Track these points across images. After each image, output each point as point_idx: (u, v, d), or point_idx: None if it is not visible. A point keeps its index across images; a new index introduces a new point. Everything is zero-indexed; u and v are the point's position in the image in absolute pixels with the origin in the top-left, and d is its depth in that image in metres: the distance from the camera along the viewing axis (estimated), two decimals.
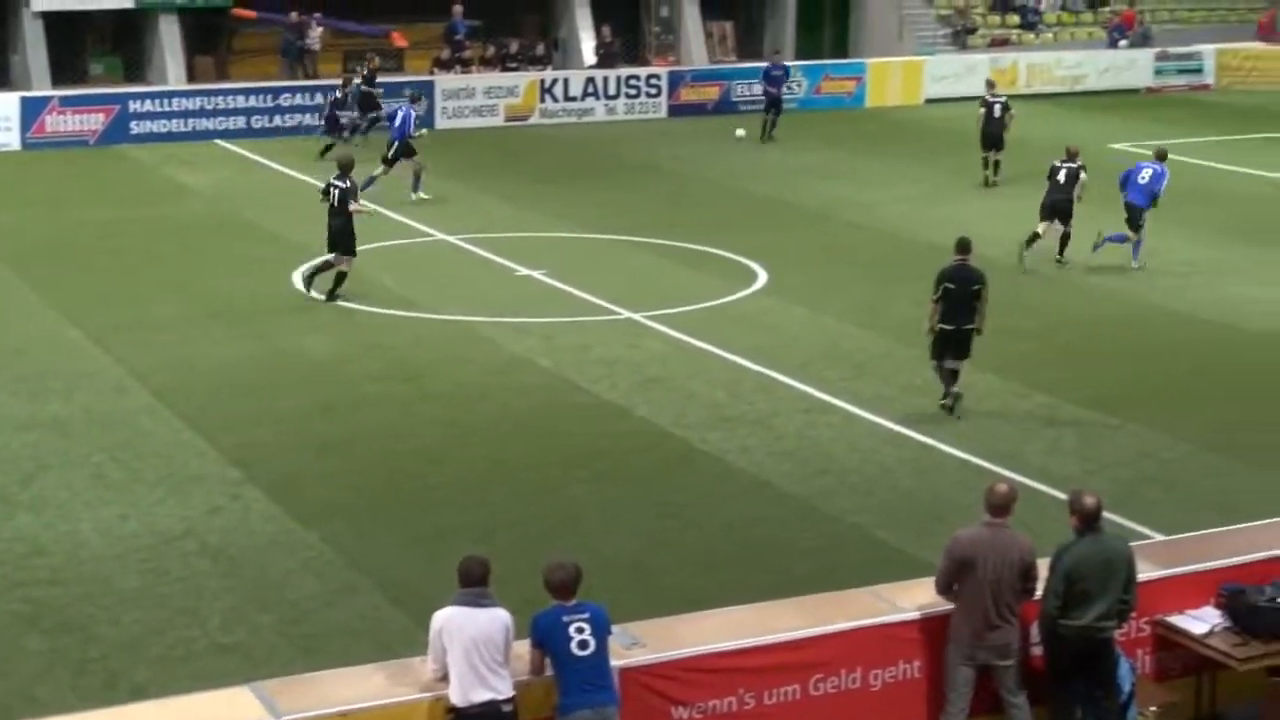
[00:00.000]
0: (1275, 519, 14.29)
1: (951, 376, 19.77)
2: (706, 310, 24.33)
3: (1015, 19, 52.02)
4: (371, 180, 30.78)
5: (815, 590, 12.85)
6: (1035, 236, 27.26)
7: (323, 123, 38.31)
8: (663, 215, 30.68)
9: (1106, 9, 53.00)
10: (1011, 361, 21.57)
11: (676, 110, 43.22)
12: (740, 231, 29.33)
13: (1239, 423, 19.66)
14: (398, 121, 32.15)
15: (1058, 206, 27.27)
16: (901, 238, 28.97)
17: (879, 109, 44.15)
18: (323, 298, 24.57)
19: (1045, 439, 19.02)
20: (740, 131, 38.33)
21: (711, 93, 43.93)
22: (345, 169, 24.90)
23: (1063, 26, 52.51)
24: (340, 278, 24.60)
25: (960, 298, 19.40)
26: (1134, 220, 27.00)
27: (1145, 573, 12.28)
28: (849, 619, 11.82)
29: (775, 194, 33.06)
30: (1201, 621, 12.46)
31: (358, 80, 38.55)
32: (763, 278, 26.14)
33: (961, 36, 50.31)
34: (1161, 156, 27.69)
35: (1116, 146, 39.02)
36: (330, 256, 24.72)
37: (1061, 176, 27.40)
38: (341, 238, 24.56)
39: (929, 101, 45.41)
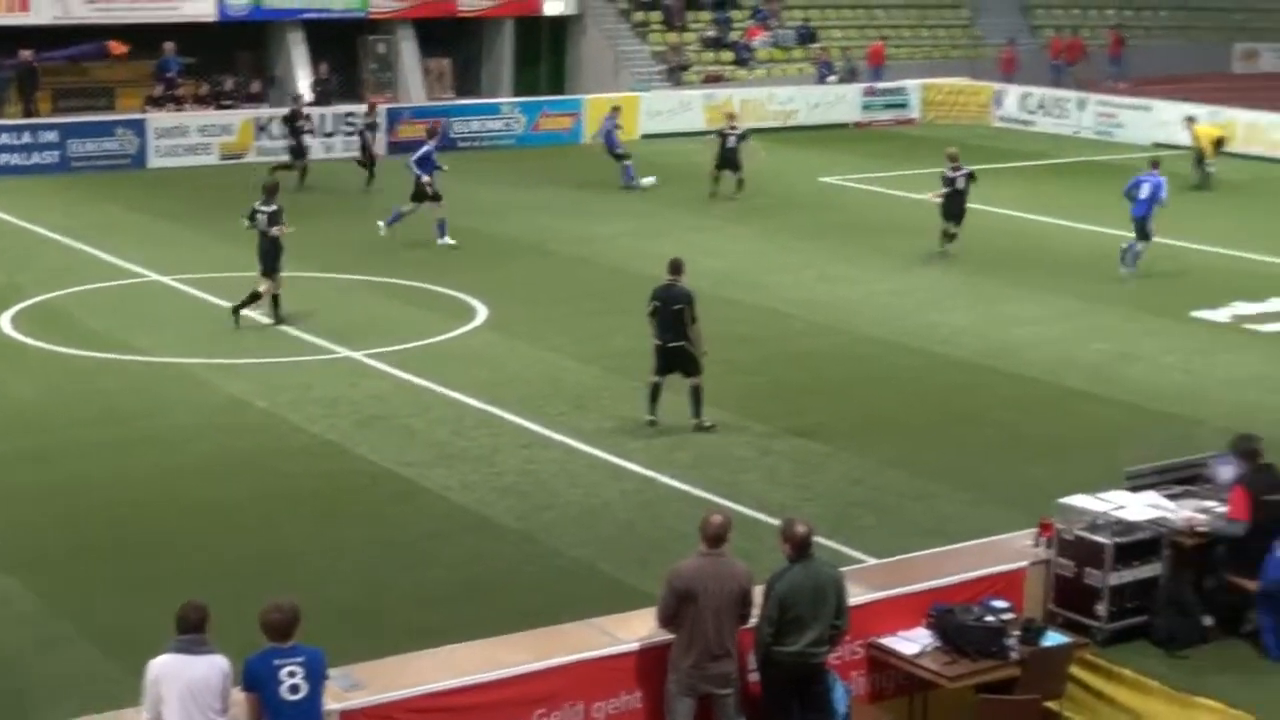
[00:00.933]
0: (981, 540, 14.77)
1: (692, 395, 20.45)
2: (427, 347, 24.30)
3: (729, 56, 53.01)
4: (399, 215, 31.56)
5: (539, 625, 12.91)
6: (951, 236, 31.01)
7: (359, 152, 38.52)
8: (381, 252, 30.53)
9: (816, 46, 54.24)
10: (730, 394, 21.92)
11: (396, 147, 42.98)
12: (460, 268, 29.36)
13: (943, 447, 20.26)
14: (415, 156, 31.74)
15: (955, 209, 30.85)
16: (621, 270, 29.27)
17: (597, 144, 44.53)
18: (270, 320, 25.15)
19: (762, 468, 19.37)
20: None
21: None
22: (270, 193, 25.40)
23: (774, 63, 53.61)
24: (274, 300, 25.18)
25: (666, 315, 20.20)
26: (1141, 230, 29.54)
27: (858, 596, 12.62)
28: (572, 652, 11.93)
29: (495, 230, 33.13)
30: (912, 642, 12.83)
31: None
32: (483, 313, 26.20)
33: (676, 73, 51.09)
34: (1155, 164, 30.46)
35: (826, 180, 40.01)
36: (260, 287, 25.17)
37: (960, 183, 30.79)
38: (267, 260, 24.98)
39: (645, 137, 45.94)
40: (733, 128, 37.41)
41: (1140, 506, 14.19)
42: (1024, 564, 13.81)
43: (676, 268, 20.45)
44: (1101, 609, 13.70)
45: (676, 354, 20.32)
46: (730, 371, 22.92)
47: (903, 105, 51.25)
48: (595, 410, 21.40)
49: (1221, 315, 26.98)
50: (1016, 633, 12.90)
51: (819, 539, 13.52)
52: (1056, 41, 56.71)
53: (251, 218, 25.32)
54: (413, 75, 49.38)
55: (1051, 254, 31.88)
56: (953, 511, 17.93)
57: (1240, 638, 14.15)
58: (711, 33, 53.71)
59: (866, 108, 50.54)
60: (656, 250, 30.52)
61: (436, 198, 31.47)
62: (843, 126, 49.40)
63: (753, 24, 54.45)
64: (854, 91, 50.84)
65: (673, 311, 20.16)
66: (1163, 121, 46.45)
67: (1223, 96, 51.23)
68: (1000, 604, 13.02)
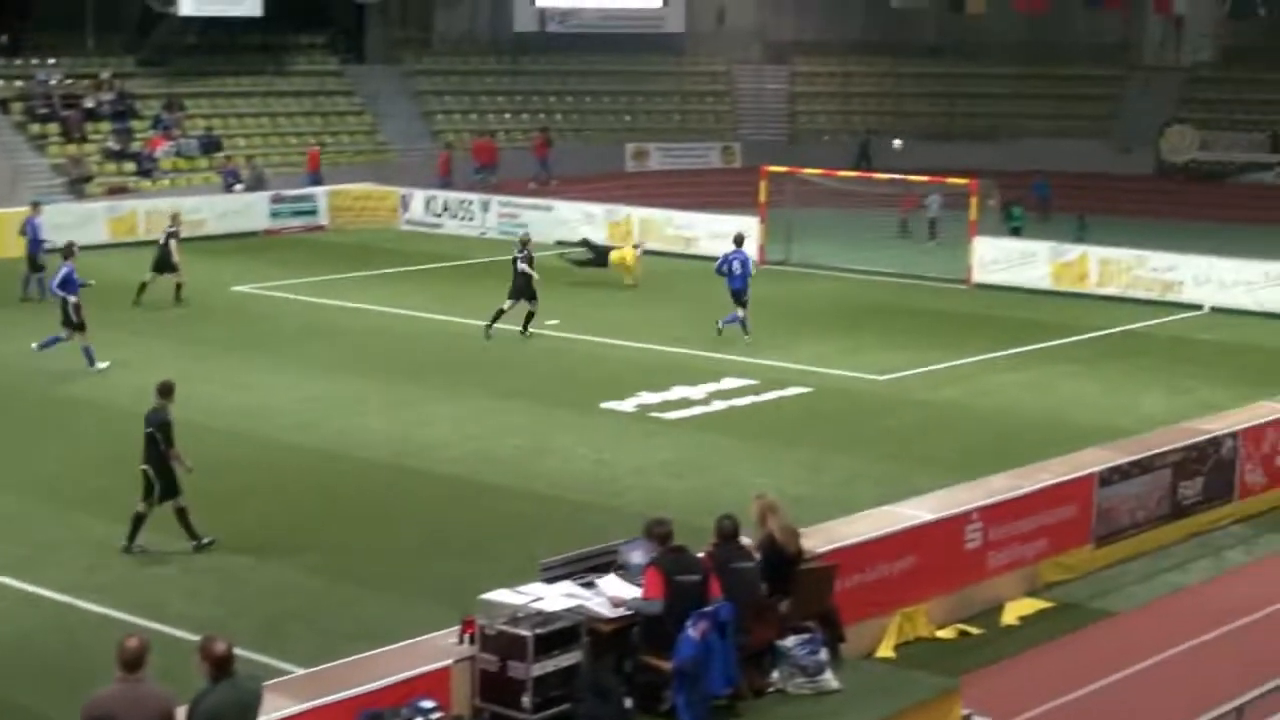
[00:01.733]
0: (407, 641, 14.93)
1: (132, 520, 20.05)
2: None
3: (132, 166, 52.07)
4: (56, 340, 29.87)
5: None
6: (501, 313, 33.40)
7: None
8: None
9: (221, 154, 53.92)
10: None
11: None
12: None
13: (367, 550, 20.43)
14: (57, 280, 30.16)
15: (523, 289, 33.36)
16: (21, 393, 28.33)
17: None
18: None
19: (185, 587, 19.07)
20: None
21: None
22: None
23: (179, 173, 52.98)
24: None
25: (147, 440, 20.05)
26: (739, 299, 33.27)
27: (286, 708, 12.60)
28: None
29: None
30: None
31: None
32: None
33: (78, 185, 49.85)
34: (739, 241, 34.57)
35: (239, 289, 39.75)
36: None
37: (521, 265, 33.42)
38: None
39: (49, 250, 44.42)
40: (172, 229, 37.44)
41: (557, 596, 14.64)
42: (449, 662, 14.04)
43: (163, 390, 20.30)
44: (527, 700, 14.02)
45: (144, 476, 20.02)
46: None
47: (311, 212, 51.35)
48: (7, 538, 20.61)
49: (628, 405, 28.12)
50: None
51: (248, 654, 13.48)
52: (478, 145, 58.07)
53: None
54: None
55: (464, 354, 32.55)
56: (378, 614, 18.06)
57: (659, 717, 14.74)
58: (113, 144, 52.66)
59: (275, 215, 50.44)
60: (63, 368, 29.76)
61: (82, 326, 30.02)
62: (253, 235, 49.16)
63: (155, 134, 53.67)
64: (262, 199, 50.69)
65: (145, 434, 20.02)
66: (563, 220, 48.16)
67: (620, 194, 53.62)
68: (428, 704, 13.22)
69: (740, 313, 33.45)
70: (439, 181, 54.69)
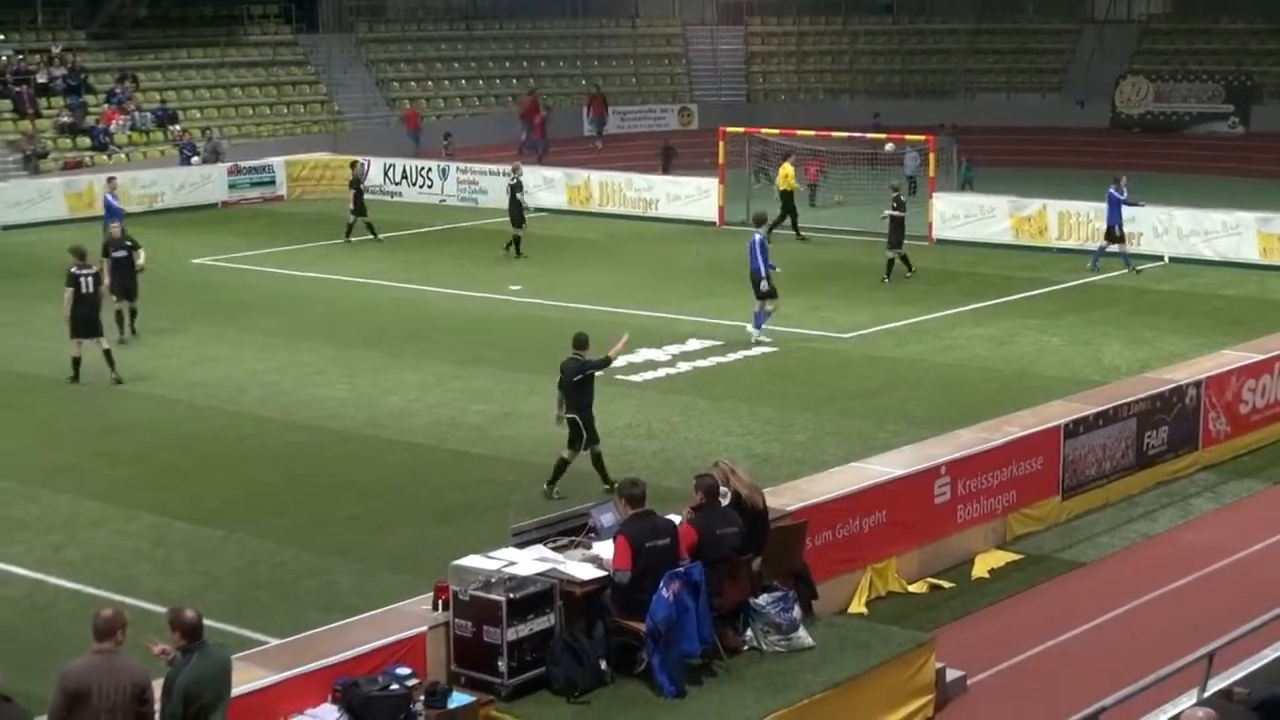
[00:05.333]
0: (380, 609, 14.91)
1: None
2: None
3: (87, 141, 51.76)
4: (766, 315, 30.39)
5: None
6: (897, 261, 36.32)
7: None
8: None
9: (177, 127, 53.61)
10: (114, 486, 21.47)
11: None
12: None
13: (336, 520, 20.37)
14: (759, 251, 30.06)
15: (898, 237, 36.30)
16: None
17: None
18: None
19: (155, 559, 19.00)
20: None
21: None
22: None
23: (135, 146, 52.71)
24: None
25: (572, 389, 21.14)
26: (1110, 235, 37.45)
27: (262, 679, 12.60)
28: None
29: None
30: (319, 719, 12.86)
31: None
32: None
33: (33, 161, 49.51)
34: (1118, 180, 38.13)
35: (199, 261, 39.59)
36: None
37: (890, 212, 36.27)
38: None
39: (5, 228, 44.31)
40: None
41: (529, 561, 14.64)
42: (423, 629, 14.03)
43: (579, 343, 21.22)
44: (502, 665, 14.03)
45: (571, 425, 20.93)
46: (115, 463, 22.46)
47: (270, 183, 51.12)
48: None
49: None
50: (421, 698, 13.11)
51: (221, 625, 13.45)
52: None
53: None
54: None
55: (425, 320, 32.47)
56: (350, 584, 18.04)
57: (635, 678, 14.77)
58: (67, 119, 52.33)
59: (233, 187, 50.19)
60: (15, 344, 29.62)
61: (773, 293, 30.17)
62: (212, 207, 48.94)
63: (109, 108, 53.35)
64: (219, 171, 50.41)
65: (568, 385, 21.03)
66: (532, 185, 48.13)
67: (580, 159, 53.54)
68: (403, 671, 13.20)
69: (1097, 245, 37.83)
70: (533, 144, 57.17)
